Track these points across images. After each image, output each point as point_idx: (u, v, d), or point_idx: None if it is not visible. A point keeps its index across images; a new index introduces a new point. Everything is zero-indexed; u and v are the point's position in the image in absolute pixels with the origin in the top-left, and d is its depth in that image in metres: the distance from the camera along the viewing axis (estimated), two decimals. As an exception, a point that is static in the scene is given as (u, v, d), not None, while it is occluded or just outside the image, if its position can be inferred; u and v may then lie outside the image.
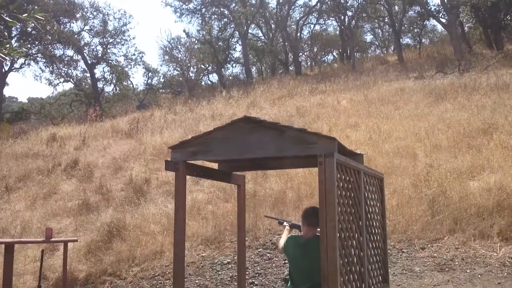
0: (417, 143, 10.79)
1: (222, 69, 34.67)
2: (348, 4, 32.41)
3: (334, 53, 41.79)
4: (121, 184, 11.80)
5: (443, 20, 27.30)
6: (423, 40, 34.47)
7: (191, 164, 3.73)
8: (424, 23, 33.02)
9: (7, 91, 34.34)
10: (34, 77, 34.32)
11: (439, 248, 7.11)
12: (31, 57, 29.62)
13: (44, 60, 30.69)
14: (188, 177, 3.65)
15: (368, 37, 42.34)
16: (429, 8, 29.41)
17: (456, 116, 12.13)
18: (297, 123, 14.14)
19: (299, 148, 3.28)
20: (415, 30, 34.34)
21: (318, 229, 3.32)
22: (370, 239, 3.99)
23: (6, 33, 27.58)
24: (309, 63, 41.22)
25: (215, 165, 4.47)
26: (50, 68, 31.18)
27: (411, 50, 32.57)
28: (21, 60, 29.35)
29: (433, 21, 33.09)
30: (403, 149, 10.48)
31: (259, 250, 7.87)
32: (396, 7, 32.86)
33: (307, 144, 3.24)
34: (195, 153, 3.59)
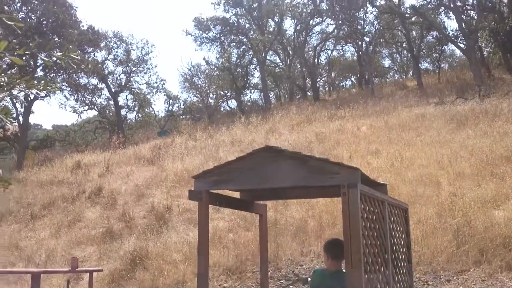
0: (440, 171, 10.66)
1: (241, 95, 35.09)
2: (365, 30, 32.68)
3: (352, 78, 41.92)
4: (143, 212, 11.91)
5: (462, 45, 27.22)
6: (442, 65, 34.38)
7: (214, 193, 3.79)
8: (443, 48, 32.96)
9: (32, 119, 35.14)
10: (59, 105, 35.06)
11: (465, 281, 6.94)
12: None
13: (69, 89, 31.52)
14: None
15: (386, 62, 42.43)
16: (447, 33, 29.38)
17: (479, 143, 11.98)
18: (317, 150, 14.14)
19: (321, 178, 3.29)
20: (434, 55, 34.30)
21: (343, 262, 3.31)
22: (396, 272, 3.94)
23: (32, 63, 28.42)
24: (327, 88, 41.43)
25: (236, 193, 4.52)
26: (75, 96, 31.99)
27: (430, 75, 32.46)
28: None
29: (451, 46, 33.05)
30: (426, 177, 10.36)
31: (281, 281, 7.81)
32: (414, 32, 32.93)
33: (329, 174, 3.26)
34: (218, 182, 3.64)
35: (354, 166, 3.27)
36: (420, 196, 9.41)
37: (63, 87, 31.07)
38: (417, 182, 10.18)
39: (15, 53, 2.29)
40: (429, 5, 29.54)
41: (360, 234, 3.07)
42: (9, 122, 2.07)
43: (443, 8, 29.20)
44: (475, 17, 27.40)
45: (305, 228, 9.12)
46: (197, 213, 3.63)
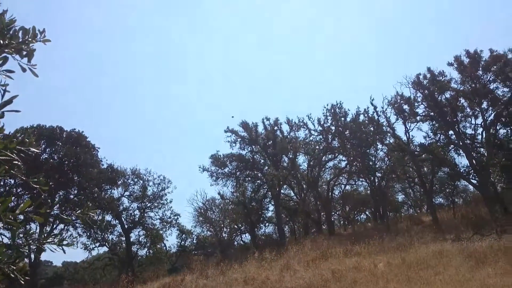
0: (463, 313, 10.09)
1: (255, 229, 34.92)
2: (377, 166, 33.49)
3: (367, 212, 41.80)
4: None
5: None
6: (456, 200, 34.32)
7: None
8: (455, 183, 33.20)
9: (43, 256, 34.90)
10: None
11: None
12: (71, 223, 30.58)
13: (82, 225, 31.72)
14: None
15: (400, 197, 42.57)
16: (458, 169, 29.80)
17: (499, 282, 11.48)
18: (333, 289, 13.61)
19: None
20: (447, 190, 34.46)
21: None
22: None
23: (49, 201, 29.11)
24: (342, 221, 41.19)
25: None
26: (88, 233, 32.00)
27: (445, 210, 32.32)
28: (61, 226, 29.99)
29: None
30: (448, 321, 9.78)
31: None
32: (425, 168, 33.55)
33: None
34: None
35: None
36: None
37: (76, 224, 31.29)
38: (439, 327, 9.58)
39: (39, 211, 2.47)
40: (438, 143, 30.53)
41: None
42: (22, 279, 2.16)
43: (452, 146, 30.08)
44: (485, 154, 28.04)
45: None
46: None
